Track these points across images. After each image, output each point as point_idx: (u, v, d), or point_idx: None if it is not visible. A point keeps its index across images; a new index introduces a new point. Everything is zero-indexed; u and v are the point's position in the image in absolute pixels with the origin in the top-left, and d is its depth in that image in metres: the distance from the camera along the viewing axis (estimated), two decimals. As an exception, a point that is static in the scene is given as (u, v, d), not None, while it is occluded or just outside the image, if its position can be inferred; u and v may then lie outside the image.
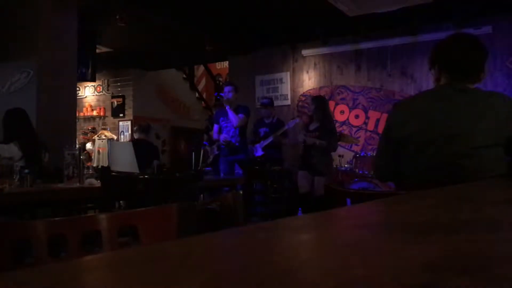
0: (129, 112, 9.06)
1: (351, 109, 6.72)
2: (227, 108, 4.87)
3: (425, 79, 6.11)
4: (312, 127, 5.07)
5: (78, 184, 2.70)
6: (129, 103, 9.07)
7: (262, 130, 5.69)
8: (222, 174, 4.79)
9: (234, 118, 4.83)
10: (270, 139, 5.50)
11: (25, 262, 0.88)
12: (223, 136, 4.92)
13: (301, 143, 5.13)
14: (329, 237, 0.47)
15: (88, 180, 2.79)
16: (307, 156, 5.01)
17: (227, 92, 4.90)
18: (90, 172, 2.97)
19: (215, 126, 5.11)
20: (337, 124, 6.80)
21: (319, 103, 5.15)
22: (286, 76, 7.25)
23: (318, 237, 0.47)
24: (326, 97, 7.01)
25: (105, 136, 8.59)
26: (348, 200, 1.45)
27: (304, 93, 7.09)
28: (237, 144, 4.84)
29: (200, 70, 10.95)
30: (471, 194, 1.01)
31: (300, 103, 7.07)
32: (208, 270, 0.32)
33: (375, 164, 1.96)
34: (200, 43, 6.92)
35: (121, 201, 2.97)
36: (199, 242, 0.44)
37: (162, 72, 9.52)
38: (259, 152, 5.54)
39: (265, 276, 0.30)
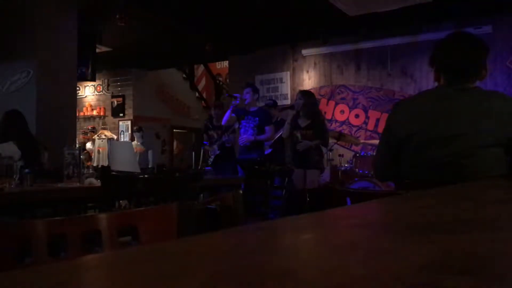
0: (129, 111, 9.06)
1: (351, 108, 6.72)
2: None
3: (425, 79, 6.11)
4: (303, 123, 4.75)
5: (78, 184, 2.70)
6: (129, 102, 9.08)
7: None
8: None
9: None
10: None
11: (25, 262, 0.88)
12: (242, 139, 4.95)
13: (289, 139, 4.98)
14: (329, 237, 0.47)
15: (88, 180, 2.79)
16: (299, 152, 4.87)
17: (245, 93, 4.95)
18: (90, 172, 2.97)
19: (228, 114, 5.11)
20: (337, 124, 6.80)
21: (309, 97, 4.81)
22: (286, 75, 7.25)
23: (318, 237, 0.47)
24: (326, 97, 7.02)
25: (105, 135, 8.60)
26: (348, 200, 1.45)
27: (304, 93, 7.09)
28: (248, 144, 4.88)
29: (200, 70, 10.95)
30: (471, 194, 1.01)
31: (300, 103, 7.07)
32: (208, 270, 0.32)
33: (375, 163, 1.95)
34: (200, 43, 6.92)
35: (121, 201, 2.97)
36: (199, 242, 0.44)
37: (162, 72, 9.52)
38: (268, 150, 5.69)
39: (265, 276, 0.30)
